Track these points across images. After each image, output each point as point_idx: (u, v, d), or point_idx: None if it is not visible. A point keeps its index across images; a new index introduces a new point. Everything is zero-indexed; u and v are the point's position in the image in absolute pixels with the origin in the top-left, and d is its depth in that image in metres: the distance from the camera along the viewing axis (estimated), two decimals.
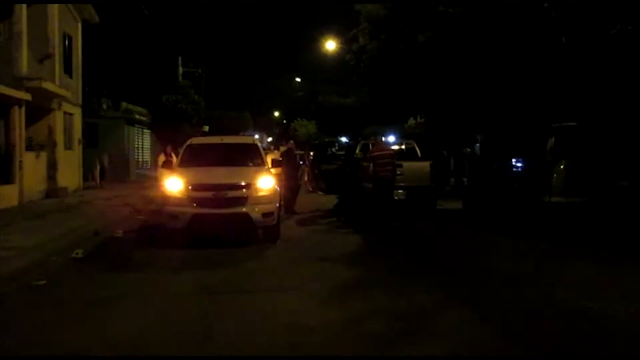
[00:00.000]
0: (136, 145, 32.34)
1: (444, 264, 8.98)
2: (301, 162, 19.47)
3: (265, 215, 10.35)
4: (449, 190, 20.84)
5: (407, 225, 12.97)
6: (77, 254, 9.19)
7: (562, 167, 11.09)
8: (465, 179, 19.14)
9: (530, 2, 13.46)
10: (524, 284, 7.44)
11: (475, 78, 15.72)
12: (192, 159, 11.63)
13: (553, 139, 11.42)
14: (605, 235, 10.15)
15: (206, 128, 32.30)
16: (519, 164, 12.83)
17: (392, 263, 9.09)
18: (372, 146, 14.51)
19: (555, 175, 11.13)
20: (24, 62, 16.95)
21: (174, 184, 10.51)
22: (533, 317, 5.95)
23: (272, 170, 11.75)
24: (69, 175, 20.72)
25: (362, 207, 13.94)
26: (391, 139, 19.10)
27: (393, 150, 14.72)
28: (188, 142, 12.41)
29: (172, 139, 19.99)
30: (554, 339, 5.35)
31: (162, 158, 15.40)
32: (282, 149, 19.23)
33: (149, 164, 34.20)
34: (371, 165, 13.55)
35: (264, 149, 14.15)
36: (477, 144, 22.52)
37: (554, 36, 13.02)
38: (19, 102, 16.45)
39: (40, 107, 18.27)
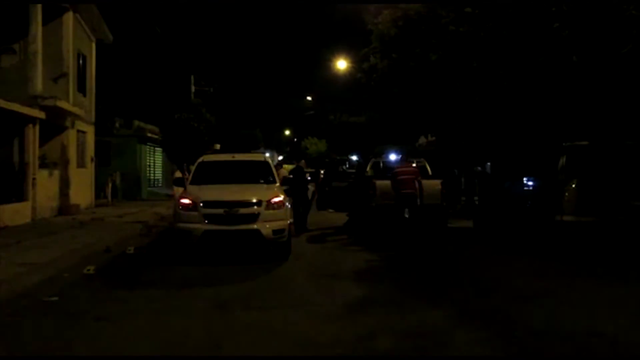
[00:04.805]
0: (148, 163, 32.54)
1: (455, 282, 8.92)
2: (309, 179, 19.50)
3: (276, 232, 10.37)
4: (459, 208, 20.78)
5: (418, 244, 12.92)
6: (88, 270, 9.22)
7: (573, 186, 11.04)
8: (476, 198, 19.08)
9: (541, 21, 13.48)
10: (536, 303, 7.36)
11: (486, 96, 15.72)
12: (204, 176, 11.69)
13: (564, 158, 11.39)
14: (617, 255, 10.06)
15: (217, 146, 32.47)
16: (530, 183, 12.78)
17: (402, 280, 9.05)
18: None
19: (566, 194, 11.07)
20: (38, 80, 17.21)
21: (185, 201, 10.57)
22: (545, 338, 5.89)
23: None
24: (81, 192, 20.87)
25: (372, 224, 13.91)
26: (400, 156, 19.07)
27: (415, 167, 14.76)
28: (200, 160, 12.47)
29: (184, 156, 20.13)
30: None
31: (178, 174, 15.48)
32: (287, 166, 19.21)
33: (161, 182, 34.39)
34: (393, 182, 13.47)
35: (275, 166, 14.21)
36: (488, 163, 22.47)
37: (565, 55, 13.02)
38: (33, 120, 16.65)
39: (54, 125, 18.49)
